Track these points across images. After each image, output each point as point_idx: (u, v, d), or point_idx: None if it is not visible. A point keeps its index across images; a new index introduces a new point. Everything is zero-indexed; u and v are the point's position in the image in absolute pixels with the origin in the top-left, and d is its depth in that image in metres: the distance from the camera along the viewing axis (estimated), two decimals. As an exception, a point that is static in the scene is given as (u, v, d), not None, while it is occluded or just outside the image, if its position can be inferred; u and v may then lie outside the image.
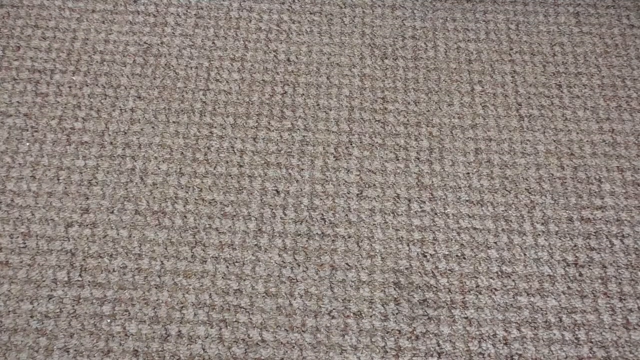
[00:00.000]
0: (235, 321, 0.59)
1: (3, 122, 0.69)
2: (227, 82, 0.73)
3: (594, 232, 0.65)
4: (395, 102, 0.73)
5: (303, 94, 0.73)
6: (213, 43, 0.76)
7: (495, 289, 0.61)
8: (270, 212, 0.65)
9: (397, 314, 0.60)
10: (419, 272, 0.62)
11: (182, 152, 0.68)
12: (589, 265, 0.63)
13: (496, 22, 0.80)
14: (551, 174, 0.69)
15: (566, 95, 0.74)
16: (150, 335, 0.58)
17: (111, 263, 0.61)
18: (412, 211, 0.65)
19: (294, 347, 0.57)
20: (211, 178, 0.67)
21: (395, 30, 0.79)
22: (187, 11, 0.79)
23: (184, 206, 0.65)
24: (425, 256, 0.63)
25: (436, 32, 0.79)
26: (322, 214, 0.65)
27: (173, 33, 0.77)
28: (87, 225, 0.63)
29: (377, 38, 0.78)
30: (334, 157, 0.69)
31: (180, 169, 0.67)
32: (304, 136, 0.70)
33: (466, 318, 0.60)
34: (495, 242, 0.64)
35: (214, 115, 0.71)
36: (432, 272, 0.62)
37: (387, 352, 0.58)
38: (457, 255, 0.63)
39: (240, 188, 0.66)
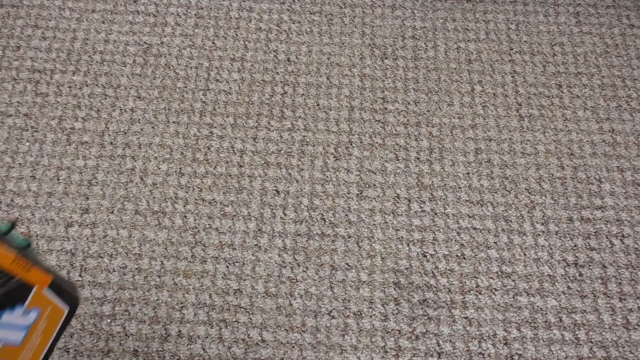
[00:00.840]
0: (235, 321, 0.58)
1: (3, 122, 0.69)
2: (227, 82, 0.73)
3: (594, 232, 0.65)
4: (395, 102, 0.73)
5: (303, 94, 0.73)
6: (213, 43, 0.76)
7: (495, 289, 0.61)
8: (270, 212, 0.65)
9: (397, 314, 0.60)
10: (419, 272, 0.62)
11: (182, 152, 0.68)
12: (589, 265, 0.63)
13: (496, 22, 0.80)
14: (551, 174, 0.69)
15: (566, 95, 0.74)
16: (150, 335, 0.58)
17: (111, 263, 0.61)
18: (412, 211, 0.65)
19: (294, 347, 0.57)
20: (211, 178, 0.67)
21: (395, 30, 0.79)
22: (187, 11, 0.79)
23: (184, 206, 0.65)
24: (425, 256, 0.63)
25: (436, 32, 0.79)
26: (322, 214, 0.65)
27: (173, 33, 0.77)
28: (87, 225, 0.63)
29: (377, 38, 0.78)
30: (334, 157, 0.69)
31: (180, 169, 0.67)
32: (304, 136, 0.70)
33: (466, 318, 0.60)
34: (495, 242, 0.64)
35: (214, 115, 0.71)
36: (432, 272, 0.62)
37: (387, 352, 0.58)
38: (457, 255, 0.63)
39: (240, 188, 0.66)
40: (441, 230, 0.64)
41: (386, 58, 0.76)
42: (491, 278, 0.62)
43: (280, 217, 0.64)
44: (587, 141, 0.71)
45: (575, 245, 0.64)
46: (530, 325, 0.59)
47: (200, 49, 0.76)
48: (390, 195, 0.66)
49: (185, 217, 0.64)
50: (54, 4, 0.78)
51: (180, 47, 0.76)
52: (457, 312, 0.60)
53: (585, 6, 0.82)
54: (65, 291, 0.40)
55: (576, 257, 0.64)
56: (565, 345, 0.59)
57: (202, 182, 0.66)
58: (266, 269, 0.61)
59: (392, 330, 0.59)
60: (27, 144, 0.68)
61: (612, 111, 0.73)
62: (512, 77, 0.76)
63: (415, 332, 0.59)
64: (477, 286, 0.61)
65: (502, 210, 0.66)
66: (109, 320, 0.58)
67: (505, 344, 0.58)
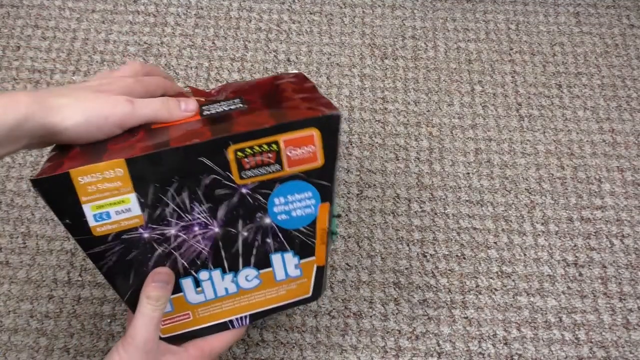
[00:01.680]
0: (235, 321, 0.59)
1: (3, 122, 0.69)
2: (227, 82, 0.73)
3: (594, 232, 0.65)
4: (395, 102, 0.73)
5: (303, 94, 0.73)
6: (213, 43, 0.76)
7: (495, 289, 0.61)
8: (270, 212, 0.65)
9: (397, 314, 0.60)
10: (419, 272, 0.62)
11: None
12: (589, 265, 0.63)
13: (496, 22, 0.80)
14: (551, 174, 0.69)
15: (566, 95, 0.74)
16: (150, 335, 0.58)
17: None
18: (412, 211, 0.65)
19: (294, 347, 0.57)
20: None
21: (395, 30, 0.79)
22: (187, 11, 0.79)
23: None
24: (425, 256, 0.63)
25: (436, 32, 0.79)
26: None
27: (173, 33, 0.77)
28: (87, 225, 0.63)
29: (377, 38, 0.78)
30: (334, 157, 0.69)
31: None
32: (304, 136, 0.70)
33: (466, 318, 0.60)
34: (495, 242, 0.64)
35: (214, 115, 0.71)
36: (432, 272, 0.62)
37: (387, 352, 0.58)
38: (457, 255, 0.63)
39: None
40: (441, 230, 0.64)
41: (386, 58, 0.76)
42: (491, 278, 0.62)
43: (280, 217, 0.64)
44: (587, 141, 0.71)
45: (575, 245, 0.64)
46: (530, 325, 0.59)
47: (200, 49, 0.76)
48: (390, 195, 0.66)
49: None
50: (54, 4, 0.78)
51: (180, 47, 0.76)
52: (457, 312, 0.60)
53: (585, 6, 0.82)
54: (320, 285, 0.44)
55: (576, 257, 0.64)
56: (565, 345, 0.59)
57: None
58: (266, 269, 0.61)
59: (392, 330, 0.59)
60: (27, 144, 0.68)
61: (612, 111, 0.73)
62: (512, 77, 0.76)
63: (415, 332, 0.59)
64: (477, 286, 0.61)
65: (502, 210, 0.66)
66: (109, 320, 0.58)
67: (505, 344, 0.58)
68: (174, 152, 0.34)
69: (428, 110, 0.72)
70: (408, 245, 0.63)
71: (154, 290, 0.37)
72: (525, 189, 0.68)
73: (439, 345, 0.58)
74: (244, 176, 0.36)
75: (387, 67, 0.76)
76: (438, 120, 0.72)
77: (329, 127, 0.36)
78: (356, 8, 0.80)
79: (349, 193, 0.66)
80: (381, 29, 0.79)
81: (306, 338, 0.58)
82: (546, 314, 0.60)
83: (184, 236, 0.37)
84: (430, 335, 0.59)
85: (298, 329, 0.58)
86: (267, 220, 0.38)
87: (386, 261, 0.62)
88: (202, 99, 0.43)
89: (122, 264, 0.37)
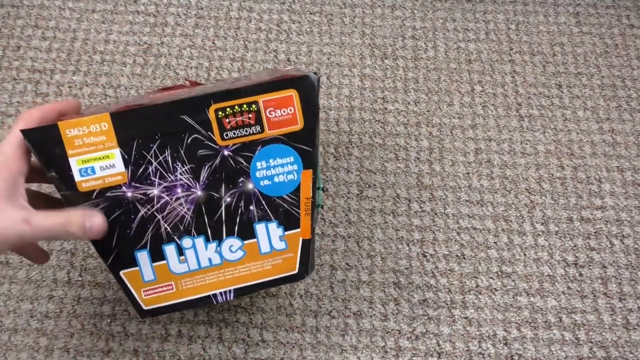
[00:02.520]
0: (235, 321, 0.59)
1: (3, 122, 0.69)
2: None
3: (594, 232, 0.65)
4: (395, 102, 0.73)
5: (303, 94, 0.73)
6: (213, 43, 0.76)
7: (495, 289, 0.61)
8: (270, 212, 0.65)
9: (397, 314, 0.60)
10: (419, 272, 0.62)
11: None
12: (589, 265, 0.63)
13: (496, 22, 0.80)
14: (551, 174, 0.69)
15: (566, 95, 0.74)
16: (150, 335, 0.58)
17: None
18: (412, 211, 0.65)
19: (294, 347, 0.57)
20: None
21: (395, 30, 0.79)
22: (187, 11, 0.79)
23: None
24: (425, 256, 0.63)
25: (436, 32, 0.79)
26: (322, 214, 0.65)
27: (173, 33, 0.77)
28: (87, 225, 0.64)
29: (377, 38, 0.78)
30: (334, 157, 0.69)
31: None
32: (304, 136, 0.70)
33: (466, 318, 0.60)
34: (495, 242, 0.64)
35: (214, 115, 0.71)
36: (432, 272, 0.62)
37: (387, 352, 0.58)
38: (457, 255, 0.63)
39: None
40: (441, 230, 0.64)
41: (386, 58, 0.76)
42: (491, 278, 0.62)
43: (280, 217, 0.64)
44: (587, 141, 0.71)
45: (575, 245, 0.64)
46: (530, 325, 0.59)
47: (200, 49, 0.76)
48: (390, 195, 0.66)
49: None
50: (54, 4, 0.78)
51: (180, 47, 0.76)
52: (457, 312, 0.60)
53: (585, 6, 0.82)
54: (307, 261, 0.43)
55: (576, 257, 0.64)
56: (565, 345, 0.59)
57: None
58: (266, 269, 0.61)
59: (392, 330, 0.59)
60: (27, 144, 0.68)
61: (612, 111, 0.73)
62: (512, 77, 0.76)
63: (415, 332, 0.59)
64: (477, 286, 0.61)
65: (502, 210, 0.66)
66: (109, 320, 0.58)
67: (505, 344, 0.58)
68: (156, 108, 0.35)
69: (428, 110, 0.72)
70: (408, 245, 0.63)
71: None
72: (525, 189, 0.68)
73: (439, 345, 0.58)
74: (225, 137, 0.37)
75: (387, 67, 0.76)
76: (438, 120, 0.72)
77: (308, 87, 0.37)
78: (356, 8, 0.80)
79: (349, 193, 0.66)
80: (381, 29, 0.79)
81: (306, 338, 0.58)
82: (546, 314, 0.60)
83: (166, 197, 0.38)
84: (430, 335, 0.59)
85: (298, 329, 0.58)
86: (250, 186, 0.39)
87: (386, 261, 0.62)
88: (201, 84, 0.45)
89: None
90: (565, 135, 0.71)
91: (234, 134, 0.37)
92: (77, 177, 0.36)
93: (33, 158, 0.37)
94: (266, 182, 0.40)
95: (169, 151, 0.37)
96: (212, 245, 0.41)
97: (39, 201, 0.41)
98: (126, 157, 0.36)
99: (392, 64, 0.76)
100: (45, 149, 0.35)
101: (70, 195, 0.37)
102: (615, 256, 0.64)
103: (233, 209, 0.40)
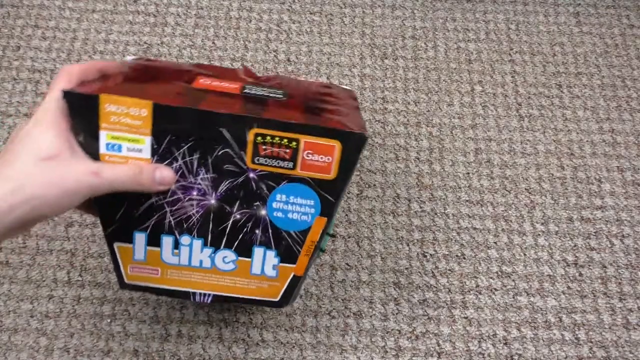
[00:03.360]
0: (235, 321, 0.59)
1: (3, 122, 0.69)
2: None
3: (594, 232, 0.65)
4: (395, 102, 0.73)
5: (303, 94, 0.73)
6: (213, 43, 0.76)
7: (495, 289, 0.61)
8: (270, 212, 0.65)
9: (397, 314, 0.60)
10: (419, 272, 0.62)
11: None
12: (589, 265, 0.63)
13: (496, 22, 0.80)
14: (551, 174, 0.69)
15: (566, 95, 0.74)
16: (150, 335, 0.58)
17: (111, 263, 0.61)
18: (412, 211, 0.66)
19: (294, 347, 0.57)
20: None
21: (395, 30, 0.79)
22: (187, 11, 0.79)
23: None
24: (425, 256, 0.63)
25: (436, 32, 0.79)
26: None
27: (173, 33, 0.77)
28: (87, 225, 0.63)
29: (377, 38, 0.78)
30: (334, 157, 0.69)
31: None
32: (304, 136, 0.70)
33: (466, 318, 0.60)
34: (495, 242, 0.64)
35: (214, 115, 0.71)
36: (432, 272, 0.62)
37: (387, 352, 0.58)
38: (457, 255, 0.63)
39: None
40: (441, 230, 0.64)
41: (386, 58, 0.76)
42: (491, 278, 0.62)
43: (280, 217, 0.64)
44: (587, 141, 0.71)
45: (575, 245, 0.64)
46: (530, 325, 0.59)
47: (200, 49, 0.76)
48: (390, 195, 0.66)
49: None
50: (54, 4, 0.78)
51: (180, 47, 0.76)
52: (457, 312, 0.60)
53: (585, 6, 0.82)
54: (290, 294, 0.45)
55: (576, 257, 0.64)
56: (565, 345, 0.59)
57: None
58: (266, 269, 0.61)
59: (392, 330, 0.59)
60: (27, 144, 0.68)
61: (612, 111, 0.73)
62: (512, 77, 0.76)
63: (415, 332, 0.59)
64: (477, 286, 0.61)
65: (502, 210, 0.66)
66: (109, 320, 0.58)
67: (505, 344, 0.58)
68: (200, 114, 0.35)
69: (428, 110, 0.72)
70: (408, 245, 0.63)
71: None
72: (525, 189, 0.68)
73: (439, 345, 0.58)
74: (256, 161, 0.37)
75: (387, 67, 0.76)
76: (438, 120, 0.72)
77: (353, 144, 0.37)
78: (356, 8, 0.80)
79: (349, 193, 0.66)
80: (381, 29, 0.79)
81: (306, 338, 0.58)
82: (546, 314, 0.60)
83: (180, 195, 0.39)
84: (430, 335, 0.59)
85: (298, 329, 0.58)
86: (263, 212, 0.40)
87: (386, 261, 0.62)
88: (249, 79, 0.44)
89: (116, 196, 0.38)
90: (565, 135, 0.71)
91: (266, 162, 0.37)
92: (102, 150, 0.36)
93: None
94: (279, 214, 0.40)
95: (197, 155, 0.37)
96: (208, 251, 0.42)
97: None
98: (155, 147, 0.36)
99: (392, 64, 0.76)
100: (80, 114, 0.35)
101: None
102: (615, 256, 0.64)
103: (239, 226, 0.40)
